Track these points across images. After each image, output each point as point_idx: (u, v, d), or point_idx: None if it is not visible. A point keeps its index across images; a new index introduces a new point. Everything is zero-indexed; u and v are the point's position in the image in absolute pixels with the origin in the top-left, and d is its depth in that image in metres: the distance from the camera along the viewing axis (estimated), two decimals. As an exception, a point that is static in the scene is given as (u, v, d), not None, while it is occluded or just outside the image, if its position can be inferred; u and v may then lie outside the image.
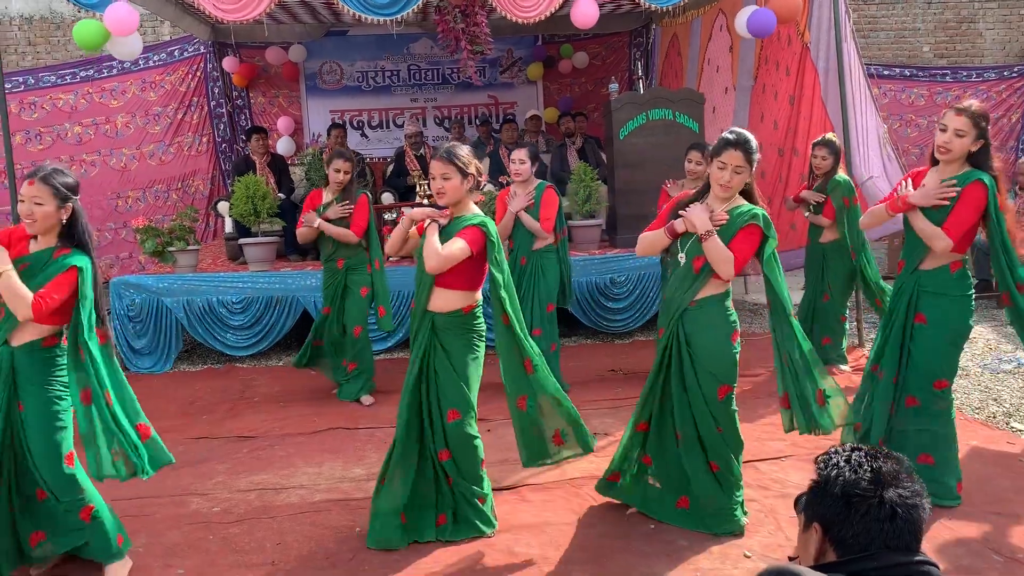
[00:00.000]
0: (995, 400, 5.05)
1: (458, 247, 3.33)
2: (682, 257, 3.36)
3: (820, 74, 6.90)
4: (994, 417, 4.77)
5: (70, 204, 3.07)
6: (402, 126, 10.20)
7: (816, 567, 1.62)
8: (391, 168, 8.92)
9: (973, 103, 3.37)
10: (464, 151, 3.44)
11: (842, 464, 1.65)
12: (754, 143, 3.27)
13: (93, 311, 3.11)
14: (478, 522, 3.52)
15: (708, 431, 3.39)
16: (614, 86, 7.53)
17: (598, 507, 3.78)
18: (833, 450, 1.72)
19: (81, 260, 3.09)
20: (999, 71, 11.03)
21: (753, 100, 7.82)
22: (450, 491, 3.55)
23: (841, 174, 5.67)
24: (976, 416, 4.78)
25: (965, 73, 11.05)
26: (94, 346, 3.08)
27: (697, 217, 3.26)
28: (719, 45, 8.35)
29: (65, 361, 3.13)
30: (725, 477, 3.44)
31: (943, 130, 3.37)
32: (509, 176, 7.00)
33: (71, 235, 3.12)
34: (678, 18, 8.99)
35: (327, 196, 5.53)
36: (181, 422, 5.36)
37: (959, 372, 5.42)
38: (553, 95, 10.85)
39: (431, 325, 3.48)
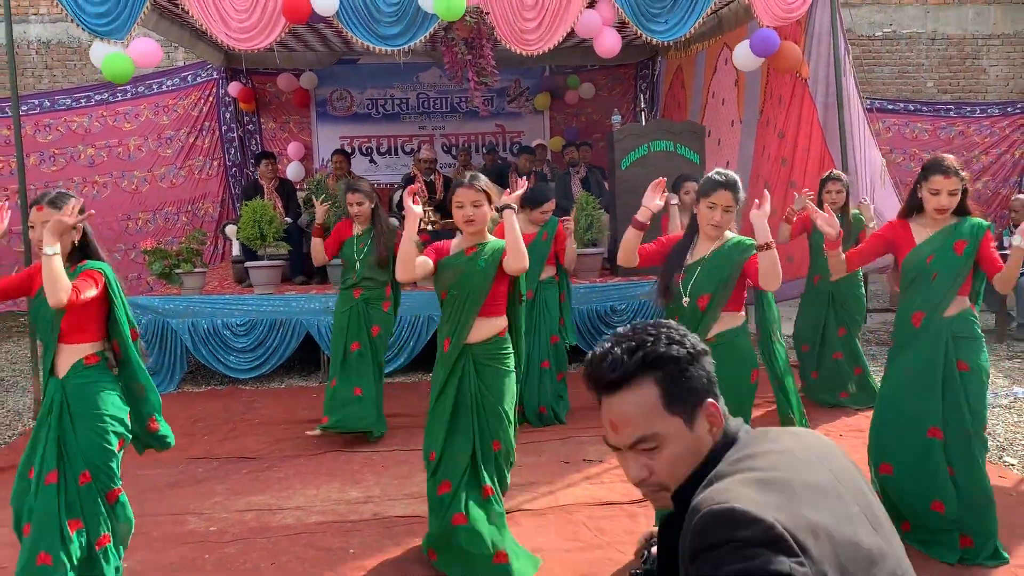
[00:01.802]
0: (990, 434, 5.04)
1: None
2: (686, 300, 3.38)
3: (819, 108, 6.99)
4: (988, 451, 4.79)
5: (80, 224, 3.15)
6: (410, 153, 10.33)
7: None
8: (398, 194, 9.03)
9: (948, 159, 3.43)
10: (484, 177, 3.46)
11: (653, 332, 1.44)
12: (740, 183, 3.38)
13: (127, 310, 3.25)
14: None
15: None
16: (616, 117, 7.65)
17: (590, 533, 3.83)
18: (615, 337, 1.47)
19: (99, 264, 3.19)
20: (1003, 107, 11.12)
21: (758, 134, 7.91)
22: None
23: (853, 210, 5.72)
24: (970, 450, 4.81)
25: (969, 108, 11.14)
26: (131, 345, 3.25)
27: (761, 225, 3.23)
28: (724, 78, 8.46)
29: (109, 381, 3.23)
30: None
31: (935, 193, 3.40)
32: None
33: (85, 254, 3.20)
34: (683, 51, 9.13)
35: (356, 229, 5.33)
36: (183, 442, 5.38)
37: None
38: (560, 124, 10.99)
39: (471, 357, 3.47)
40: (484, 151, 10.36)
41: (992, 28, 11.77)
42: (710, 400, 1.42)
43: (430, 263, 3.39)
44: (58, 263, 2.97)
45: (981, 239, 3.46)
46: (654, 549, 1.62)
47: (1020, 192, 9.95)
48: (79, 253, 3.21)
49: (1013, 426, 5.21)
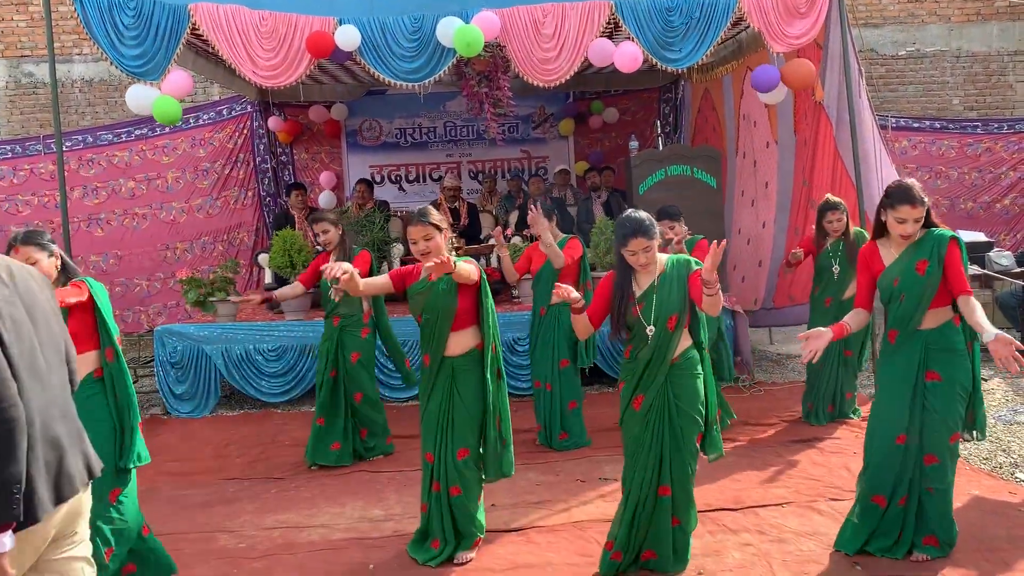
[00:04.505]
0: (1004, 451, 5.11)
1: (471, 267, 3.74)
2: (651, 329, 3.43)
3: (834, 129, 7.08)
4: (1000, 468, 4.84)
5: (57, 251, 3.52)
6: (438, 180, 10.57)
7: None
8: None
9: (913, 185, 3.48)
10: (432, 210, 3.81)
11: None
12: (649, 220, 3.40)
13: (111, 320, 3.56)
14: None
15: (683, 483, 3.55)
16: (634, 143, 7.80)
17: (599, 549, 3.93)
18: None
19: (81, 277, 3.51)
20: (1031, 122, 11.07)
21: (797, 154, 7.94)
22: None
23: (856, 228, 5.83)
24: (983, 467, 4.86)
25: (996, 125, 11.09)
26: (121, 352, 3.57)
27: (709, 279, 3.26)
28: (754, 100, 8.46)
29: (107, 395, 3.53)
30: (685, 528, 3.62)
31: (902, 222, 3.48)
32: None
33: (66, 278, 3.55)
34: (708, 75, 9.24)
35: (332, 258, 5.58)
36: (216, 463, 5.66)
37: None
38: (584, 149, 11.14)
39: (451, 370, 3.84)
40: (508, 177, 10.57)
41: (1017, 44, 11.75)
42: None
43: (388, 284, 3.87)
44: None
45: (944, 254, 3.48)
46: None
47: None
48: (63, 276, 3.54)
49: (1029, 443, 5.24)
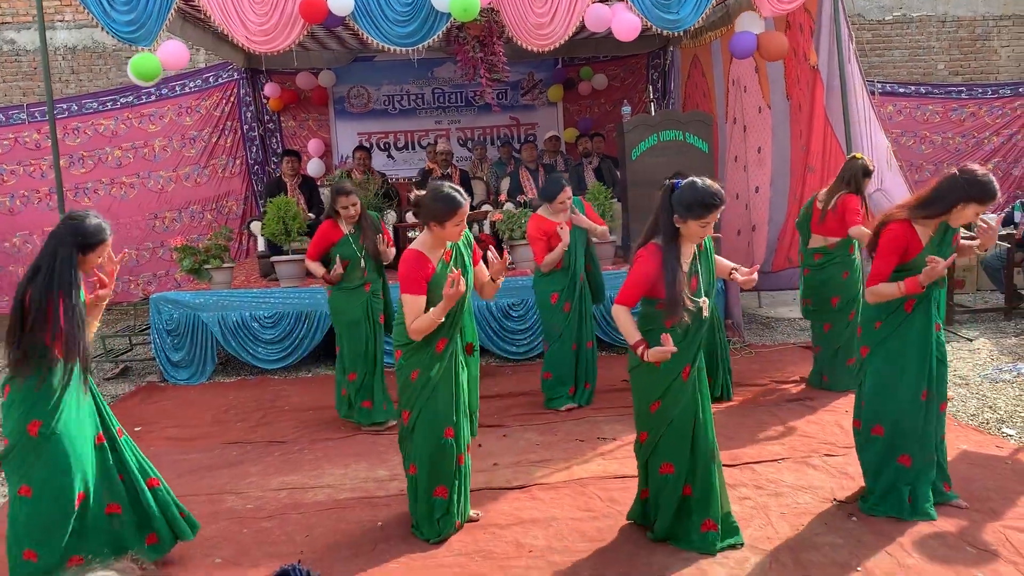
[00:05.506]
0: (990, 408, 5.25)
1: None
2: (704, 301, 3.41)
3: (826, 93, 7.14)
4: (987, 423, 4.98)
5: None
6: (427, 147, 10.55)
7: None
8: (412, 195, 9.25)
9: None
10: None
11: None
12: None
13: None
14: None
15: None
16: (627, 108, 7.81)
17: (602, 504, 4.05)
18: None
19: None
20: (1014, 87, 11.15)
21: (792, 118, 7.98)
22: None
23: None
24: (970, 423, 4.99)
25: (980, 90, 11.18)
26: None
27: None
28: (743, 66, 8.50)
29: None
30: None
31: (976, 213, 3.52)
32: (527, 197, 7.28)
33: None
34: (697, 40, 9.25)
35: (347, 228, 5.48)
36: (216, 429, 5.71)
37: (959, 381, 5.69)
38: (573, 116, 11.16)
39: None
40: (499, 144, 10.58)
41: (1003, 9, 11.81)
42: None
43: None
44: None
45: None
46: None
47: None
48: None
49: (1014, 399, 5.37)
